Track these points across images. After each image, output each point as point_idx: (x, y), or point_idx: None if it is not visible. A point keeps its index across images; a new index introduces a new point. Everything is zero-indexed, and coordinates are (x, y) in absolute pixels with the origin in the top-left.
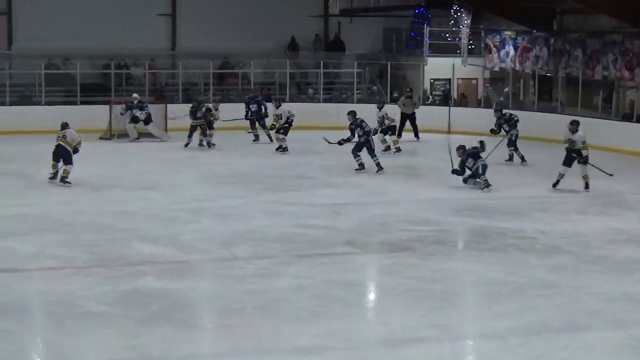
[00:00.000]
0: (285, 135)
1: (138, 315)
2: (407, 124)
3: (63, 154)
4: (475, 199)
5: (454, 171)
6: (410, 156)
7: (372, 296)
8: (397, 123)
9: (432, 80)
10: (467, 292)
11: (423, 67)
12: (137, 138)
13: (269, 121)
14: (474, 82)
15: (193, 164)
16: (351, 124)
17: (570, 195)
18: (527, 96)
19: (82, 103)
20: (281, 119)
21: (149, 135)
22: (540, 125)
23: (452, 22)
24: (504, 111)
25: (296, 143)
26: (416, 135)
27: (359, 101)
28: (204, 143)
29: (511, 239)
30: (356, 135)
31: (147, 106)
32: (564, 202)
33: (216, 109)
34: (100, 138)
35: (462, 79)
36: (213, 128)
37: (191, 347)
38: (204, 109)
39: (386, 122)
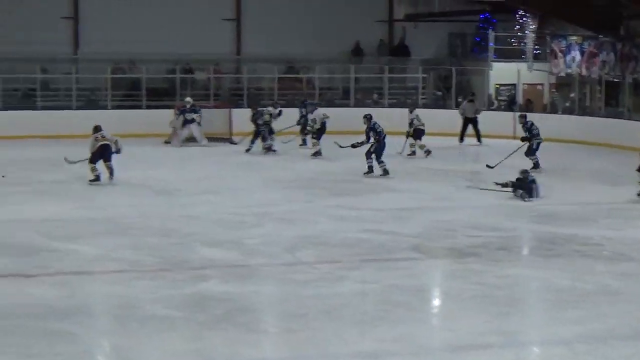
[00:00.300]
0: (318, 139)
1: (202, 319)
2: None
3: (105, 153)
4: (541, 205)
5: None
6: (473, 161)
7: (436, 302)
8: (462, 126)
9: (497, 86)
10: (533, 299)
11: (488, 72)
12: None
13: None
14: (539, 87)
15: (258, 169)
16: (367, 127)
17: (638, 201)
18: (593, 102)
19: (148, 107)
20: (316, 123)
21: (193, 139)
22: (606, 131)
23: (518, 27)
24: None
25: (362, 148)
26: (478, 139)
27: (424, 106)
28: (265, 147)
29: (577, 245)
30: (371, 138)
31: (200, 110)
32: (631, 209)
33: (278, 114)
34: (165, 142)
35: (527, 84)
36: (273, 133)
37: (254, 351)
38: (266, 116)
39: (415, 123)
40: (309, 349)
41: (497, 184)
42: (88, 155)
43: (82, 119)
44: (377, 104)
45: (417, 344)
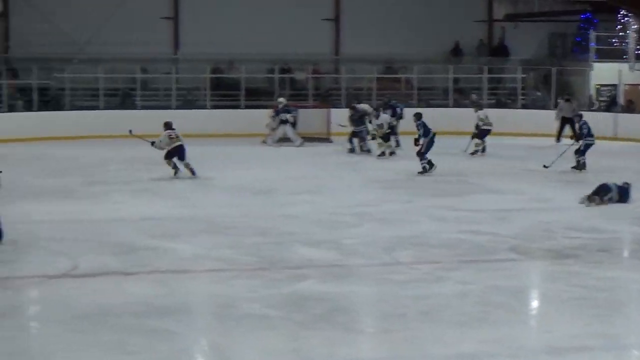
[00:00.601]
0: (387, 141)
1: (300, 318)
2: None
3: (181, 153)
4: None
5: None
6: (569, 162)
7: (535, 303)
8: (558, 126)
9: (597, 86)
10: (634, 302)
11: (589, 73)
12: (293, 141)
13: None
14: None
15: (358, 169)
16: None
17: None
18: None
19: (246, 107)
20: (382, 127)
21: (287, 139)
22: None
23: (619, 27)
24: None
25: (462, 148)
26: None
27: (523, 107)
28: (364, 149)
29: None
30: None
31: (294, 110)
32: None
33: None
34: (263, 142)
35: (629, 84)
36: (368, 133)
37: (352, 351)
38: (367, 119)
39: (479, 123)
40: (406, 349)
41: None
42: (151, 141)
43: (181, 119)
44: (475, 105)
45: (516, 346)
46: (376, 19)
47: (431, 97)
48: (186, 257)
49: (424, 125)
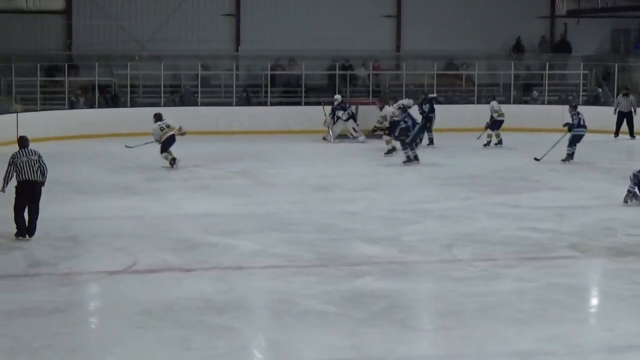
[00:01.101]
0: (392, 136)
1: (358, 315)
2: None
3: (171, 142)
4: None
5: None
6: (628, 158)
7: (595, 301)
8: (616, 121)
9: None
10: None
11: None
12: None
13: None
14: None
15: (417, 165)
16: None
17: None
18: None
19: (307, 104)
20: (386, 120)
21: (345, 136)
22: None
23: None
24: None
25: (522, 145)
26: (631, 134)
27: (585, 103)
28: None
29: None
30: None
31: (349, 106)
32: None
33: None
34: (323, 139)
35: None
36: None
37: (410, 348)
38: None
39: (493, 115)
40: (464, 347)
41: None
42: (152, 141)
43: (242, 116)
44: (536, 101)
45: (574, 344)
46: (437, 15)
47: (492, 93)
48: (245, 254)
49: (410, 117)
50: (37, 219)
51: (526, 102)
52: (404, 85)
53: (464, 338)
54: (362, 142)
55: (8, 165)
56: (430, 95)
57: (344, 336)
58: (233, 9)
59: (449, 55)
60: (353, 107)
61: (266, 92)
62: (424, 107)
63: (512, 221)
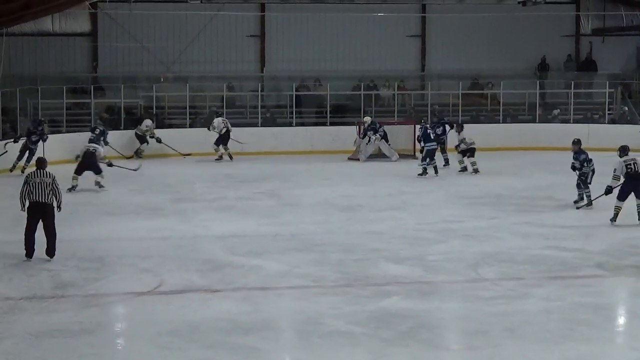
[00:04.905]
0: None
1: (385, 335)
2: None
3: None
4: None
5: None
6: None
7: (622, 320)
8: None
9: None
10: None
11: None
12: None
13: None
14: None
15: (443, 184)
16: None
17: None
18: None
19: (332, 124)
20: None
21: (382, 155)
22: None
23: None
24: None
25: (548, 164)
26: None
27: (610, 122)
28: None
29: None
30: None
31: (380, 126)
32: None
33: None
34: (349, 159)
35: None
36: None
37: None
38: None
39: (465, 143)
40: None
41: None
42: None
43: (268, 136)
44: (556, 120)
45: None
46: (462, 35)
47: (517, 112)
48: (271, 274)
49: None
50: (54, 240)
51: (549, 121)
52: (429, 105)
53: (491, 358)
54: (395, 161)
55: (22, 185)
56: (445, 119)
57: (371, 356)
58: (258, 30)
59: (474, 75)
60: (384, 128)
61: (291, 112)
62: (437, 129)
63: (538, 240)
